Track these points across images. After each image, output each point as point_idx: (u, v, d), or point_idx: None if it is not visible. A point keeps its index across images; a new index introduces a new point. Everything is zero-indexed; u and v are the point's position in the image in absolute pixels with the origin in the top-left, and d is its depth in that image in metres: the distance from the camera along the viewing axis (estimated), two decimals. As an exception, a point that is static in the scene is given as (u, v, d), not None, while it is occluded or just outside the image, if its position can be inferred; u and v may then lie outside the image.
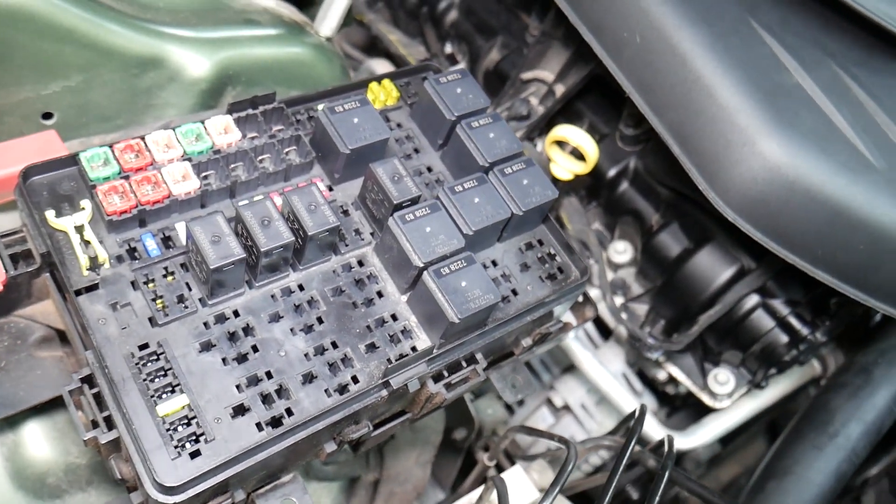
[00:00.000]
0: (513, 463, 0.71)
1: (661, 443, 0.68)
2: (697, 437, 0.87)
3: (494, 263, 0.58)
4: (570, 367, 0.99)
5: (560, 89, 0.86)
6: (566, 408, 0.97)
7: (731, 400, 0.85)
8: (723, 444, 1.10)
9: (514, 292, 0.58)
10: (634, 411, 0.65)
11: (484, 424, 0.87)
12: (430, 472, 0.78)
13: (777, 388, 0.90)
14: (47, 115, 0.63)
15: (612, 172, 0.88)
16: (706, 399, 0.85)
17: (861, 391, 0.78)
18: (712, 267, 0.79)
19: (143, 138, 0.53)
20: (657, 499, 0.57)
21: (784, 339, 0.78)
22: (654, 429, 0.88)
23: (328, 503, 0.73)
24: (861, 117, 0.67)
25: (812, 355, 0.89)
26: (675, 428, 0.91)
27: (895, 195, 0.64)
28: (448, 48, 1.04)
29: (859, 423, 0.76)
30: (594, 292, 0.89)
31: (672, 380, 0.89)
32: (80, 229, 0.49)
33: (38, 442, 0.56)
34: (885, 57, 0.72)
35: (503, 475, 0.64)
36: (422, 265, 0.51)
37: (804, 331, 0.78)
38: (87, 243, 0.50)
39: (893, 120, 0.68)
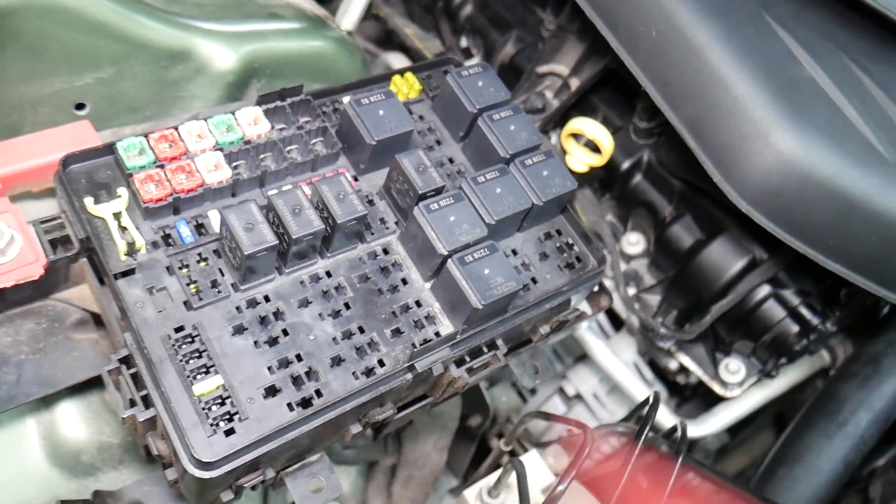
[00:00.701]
0: (526, 451, 0.73)
1: (674, 429, 0.69)
2: (708, 426, 0.89)
3: (514, 252, 0.60)
4: (582, 357, 1.00)
5: (575, 83, 0.88)
6: (578, 397, 0.99)
7: (742, 389, 0.87)
8: (731, 435, 1.11)
9: (534, 280, 0.59)
10: (648, 398, 0.67)
11: (498, 412, 0.88)
12: (447, 457, 0.80)
13: (787, 378, 0.92)
14: (80, 106, 0.65)
15: (625, 165, 0.89)
16: (717, 388, 0.87)
17: (870, 381, 0.79)
18: (724, 258, 0.81)
19: (176, 129, 0.54)
20: (671, 483, 0.58)
21: (795, 328, 0.80)
22: (665, 417, 0.89)
23: (347, 486, 0.75)
24: (873, 110, 0.68)
25: (822, 345, 0.90)
26: (686, 417, 0.93)
27: (906, 188, 0.65)
28: (463, 42, 1.06)
29: (868, 412, 0.78)
30: (607, 283, 0.90)
31: (683, 369, 0.91)
32: (117, 216, 0.51)
33: (73, 421, 0.58)
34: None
35: (520, 458, 0.66)
36: (446, 253, 0.53)
37: (815, 321, 0.79)
38: (123, 229, 0.51)
39: (905, 114, 0.69)
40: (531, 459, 0.68)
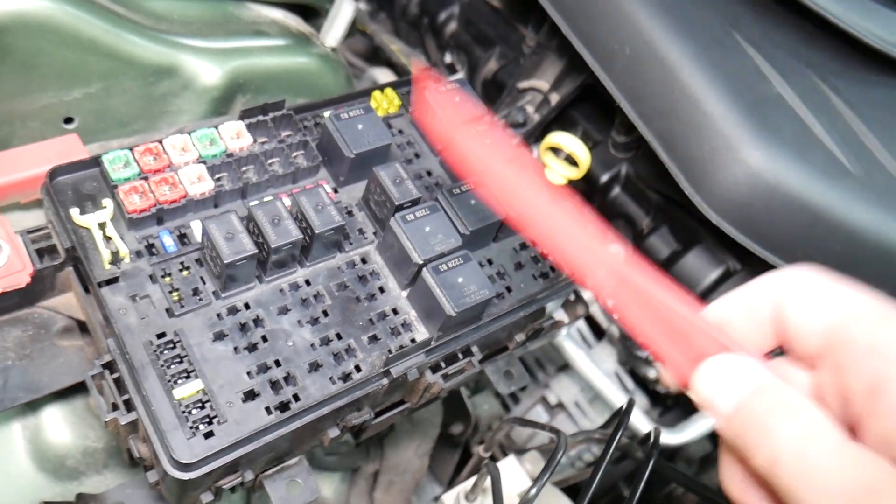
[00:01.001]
0: (506, 456, 0.75)
1: (649, 435, 0.71)
2: (687, 434, 0.90)
3: (490, 262, 0.62)
4: (564, 367, 1.02)
5: (555, 98, 0.90)
6: (560, 405, 1.00)
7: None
8: (714, 445, 1.13)
9: (508, 289, 0.61)
10: (622, 406, 0.68)
11: (480, 420, 0.90)
12: (428, 463, 0.81)
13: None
14: (69, 120, 0.67)
15: (604, 178, 0.91)
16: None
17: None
18: (699, 269, 0.83)
19: (160, 142, 0.56)
20: (641, 485, 0.60)
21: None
22: (645, 426, 0.91)
23: (330, 493, 0.77)
24: (839, 126, 0.71)
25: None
26: (667, 426, 0.94)
27: (870, 200, 0.67)
28: (448, 58, 1.08)
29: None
30: (588, 293, 0.92)
31: (662, 378, 0.92)
32: (102, 226, 0.53)
33: (58, 426, 0.59)
34: (862, 68, 0.76)
35: (497, 464, 0.67)
36: (421, 262, 0.55)
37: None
38: (108, 239, 0.53)
39: (870, 128, 0.71)
40: (508, 465, 0.69)
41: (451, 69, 1.07)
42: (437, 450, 0.88)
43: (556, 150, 0.87)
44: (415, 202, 0.57)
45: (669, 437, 0.90)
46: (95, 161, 0.55)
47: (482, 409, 0.91)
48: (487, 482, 0.65)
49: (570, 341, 0.95)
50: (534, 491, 0.58)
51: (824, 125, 0.70)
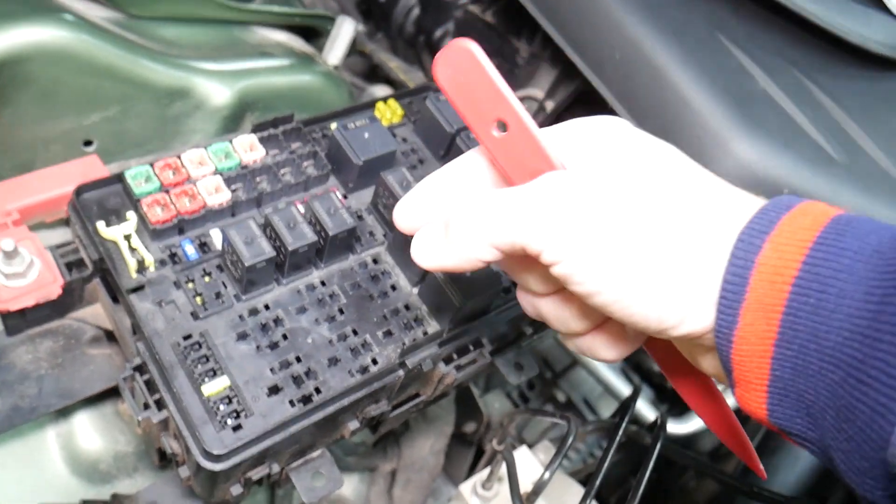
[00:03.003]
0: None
1: (655, 422, 0.74)
2: (693, 423, 0.93)
3: (495, 259, 0.65)
4: (571, 365, 1.05)
5: (550, 105, 0.94)
6: (569, 402, 1.03)
7: (724, 387, 0.91)
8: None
9: (515, 283, 0.64)
10: (631, 393, 0.71)
11: (492, 418, 0.92)
12: (443, 461, 0.83)
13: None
14: (88, 143, 0.70)
15: (601, 180, 0.94)
16: (699, 388, 0.91)
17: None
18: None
19: (179, 157, 0.59)
20: (650, 466, 0.62)
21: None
22: (652, 416, 0.93)
23: (349, 492, 0.79)
24: (823, 117, 0.74)
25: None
26: (674, 417, 0.97)
27: (855, 185, 0.70)
28: (445, 73, 1.12)
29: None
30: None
31: (667, 372, 0.95)
32: (128, 237, 0.56)
33: (90, 432, 0.62)
34: (844, 64, 0.80)
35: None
36: (430, 259, 0.58)
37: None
38: (133, 250, 0.56)
39: (853, 118, 0.74)
40: (522, 454, 0.72)
41: (449, 83, 1.11)
42: (451, 449, 0.90)
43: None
44: (421, 203, 0.60)
45: (677, 427, 0.92)
46: (118, 178, 0.58)
47: (493, 407, 0.93)
48: (502, 471, 0.67)
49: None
50: (547, 475, 0.60)
51: (808, 117, 0.73)
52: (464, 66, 0.38)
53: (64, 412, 0.61)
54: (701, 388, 0.46)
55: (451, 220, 0.39)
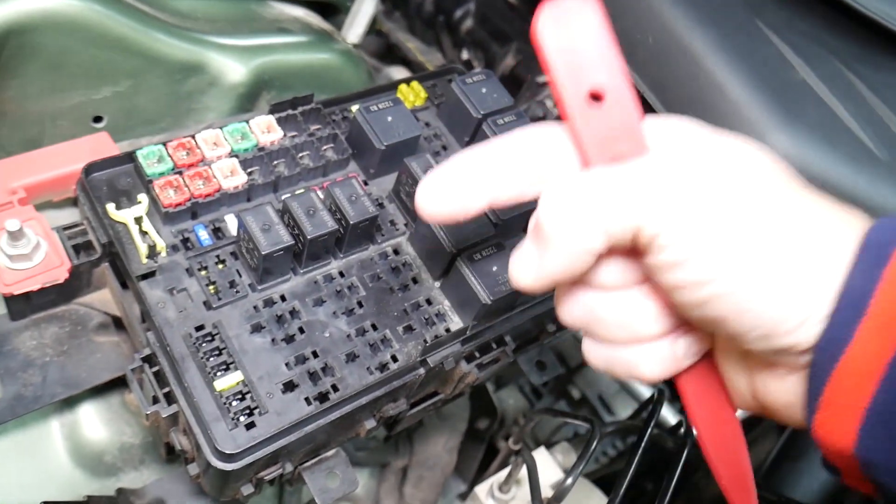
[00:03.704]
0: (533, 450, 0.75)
1: (679, 425, 0.71)
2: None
3: (520, 252, 0.62)
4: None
5: (575, 91, 0.90)
6: (584, 399, 1.00)
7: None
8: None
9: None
10: (653, 395, 0.68)
11: (506, 414, 0.90)
12: (457, 458, 0.81)
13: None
14: (98, 119, 0.67)
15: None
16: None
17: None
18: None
19: (193, 137, 0.56)
20: (677, 473, 0.60)
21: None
22: (671, 416, 0.91)
23: (360, 488, 0.77)
24: (864, 111, 0.70)
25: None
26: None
27: (898, 184, 0.67)
28: (464, 55, 1.08)
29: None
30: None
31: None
32: (138, 220, 0.53)
33: (95, 423, 0.59)
34: (887, 54, 0.76)
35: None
36: (454, 252, 0.55)
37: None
38: (144, 234, 0.53)
39: (895, 113, 0.71)
40: (540, 455, 0.69)
41: (468, 66, 1.08)
42: (462, 445, 0.88)
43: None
44: (447, 192, 0.57)
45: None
46: (129, 157, 0.55)
47: (507, 403, 0.91)
48: (521, 473, 0.65)
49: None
50: (570, 480, 0.58)
51: (850, 111, 0.70)
52: (576, 22, 0.33)
53: (69, 401, 0.58)
54: (723, 430, 0.42)
55: (551, 206, 0.34)
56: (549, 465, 0.69)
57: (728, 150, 0.34)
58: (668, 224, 0.32)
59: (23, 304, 0.54)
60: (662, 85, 0.73)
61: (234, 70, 0.70)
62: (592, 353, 0.39)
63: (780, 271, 0.32)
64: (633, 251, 0.35)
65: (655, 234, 0.32)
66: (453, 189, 0.37)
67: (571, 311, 0.38)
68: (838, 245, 0.32)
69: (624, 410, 1.00)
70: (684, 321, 0.37)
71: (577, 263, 0.34)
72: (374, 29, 1.16)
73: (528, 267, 0.36)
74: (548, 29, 0.34)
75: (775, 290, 0.32)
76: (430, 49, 1.12)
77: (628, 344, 0.37)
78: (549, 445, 0.76)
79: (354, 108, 0.63)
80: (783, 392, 0.36)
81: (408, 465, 0.78)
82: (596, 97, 0.34)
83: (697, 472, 0.97)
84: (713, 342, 0.39)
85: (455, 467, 0.91)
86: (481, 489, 0.67)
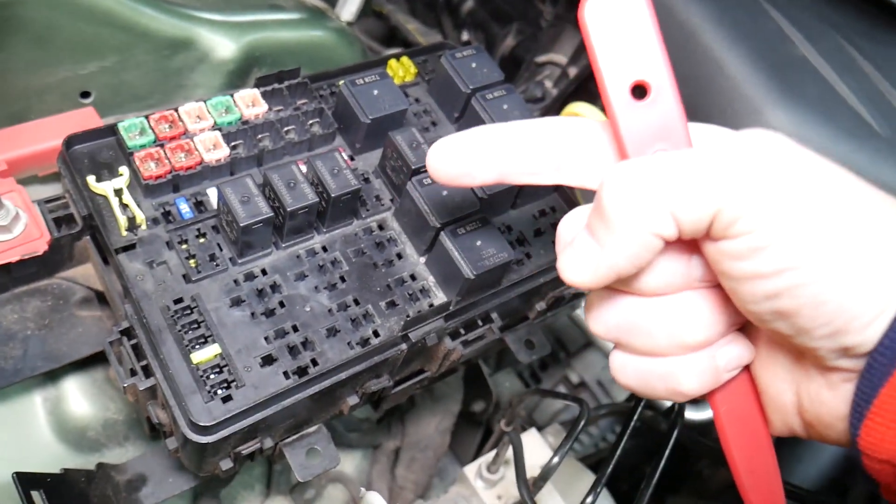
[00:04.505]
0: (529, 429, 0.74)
1: (672, 407, 0.70)
2: (710, 410, 0.89)
3: (509, 228, 0.61)
4: (586, 345, 1.01)
5: (573, 71, 0.89)
6: (583, 384, 0.99)
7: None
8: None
9: (528, 255, 0.60)
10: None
11: (501, 397, 0.89)
12: (450, 440, 0.80)
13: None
14: (85, 94, 0.67)
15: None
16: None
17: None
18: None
19: (176, 110, 0.56)
20: (666, 453, 0.59)
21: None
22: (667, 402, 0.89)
23: (351, 469, 0.76)
24: (865, 86, 0.69)
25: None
26: (691, 404, 0.93)
27: (899, 161, 0.65)
28: (465, 36, 1.07)
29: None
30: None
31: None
32: (118, 193, 0.53)
33: (79, 398, 0.59)
34: (889, 29, 0.74)
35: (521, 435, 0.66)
36: (438, 226, 0.54)
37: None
38: (125, 206, 0.53)
39: (897, 89, 0.69)
40: (531, 437, 0.68)
41: (468, 47, 1.06)
42: (459, 429, 0.87)
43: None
44: (432, 167, 0.56)
45: (693, 414, 0.88)
46: (111, 129, 0.55)
47: (504, 386, 0.90)
48: (509, 453, 0.64)
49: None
50: (556, 459, 0.57)
51: (850, 86, 0.68)
52: (624, 13, 0.33)
53: (52, 376, 0.58)
54: (757, 454, 0.39)
55: (620, 185, 0.32)
56: (540, 447, 0.68)
57: (785, 145, 0.33)
58: (750, 207, 0.31)
59: (4, 277, 0.54)
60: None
61: (223, 46, 0.69)
62: (626, 367, 0.37)
63: (862, 262, 0.31)
64: (692, 244, 0.34)
65: (736, 218, 0.31)
66: (466, 153, 0.37)
67: (608, 319, 0.36)
68: None
69: (621, 395, 0.99)
70: (731, 328, 0.36)
71: (644, 252, 0.32)
72: (374, 11, 1.15)
73: (585, 260, 0.34)
74: (595, 18, 0.33)
75: (856, 281, 0.30)
76: (431, 31, 1.11)
77: (668, 355, 0.35)
78: (544, 427, 0.75)
79: (342, 82, 0.62)
80: (835, 403, 0.34)
81: (400, 446, 0.78)
82: (640, 91, 0.34)
83: (703, 459, 0.96)
84: (755, 354, 0.37)
85: (453, 451, 0.90)
86: (470, 469, 0.66)
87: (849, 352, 0.32)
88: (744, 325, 0.37)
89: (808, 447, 0.80)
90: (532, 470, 0.62)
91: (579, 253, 0.34)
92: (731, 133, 0.35)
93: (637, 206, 0.32)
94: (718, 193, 0.31)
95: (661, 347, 0.35)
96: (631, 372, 0.37)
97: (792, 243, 0.31)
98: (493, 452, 0.66)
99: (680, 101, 0.34)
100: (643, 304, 0.35)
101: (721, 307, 0.35)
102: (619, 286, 0.35)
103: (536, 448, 0.68)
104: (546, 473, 0.56)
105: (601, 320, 0.37)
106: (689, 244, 0.34)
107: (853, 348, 0.32)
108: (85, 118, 0.61)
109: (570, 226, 0.36)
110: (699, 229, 0.32)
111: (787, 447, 0.80)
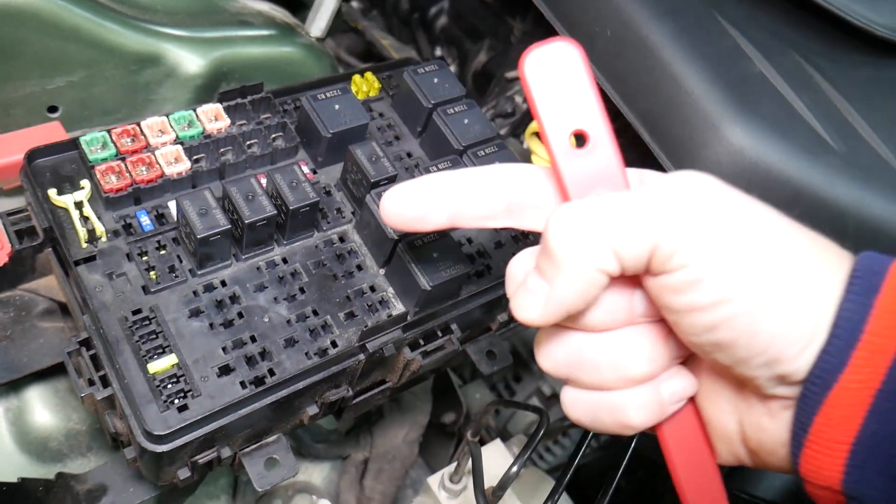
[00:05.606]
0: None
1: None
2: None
3: (469, 241, 0.62)
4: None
5: (542, 86, 0.90)
6: (555, 396, 1.00)
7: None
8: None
9: (489, 267, 0.61)
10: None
11: (472, 409, 0.90)
12: (418, 451, 0.81)
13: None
14: (53, 109, 0.68)
15: (593, 166, 0.91)
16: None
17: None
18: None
19: (138, 124, 0.57)
20: (626, 459, 0.59)
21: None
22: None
23: (319, 480, 0.77)
24: (821, 103, 0.70)
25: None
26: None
27: (854, 176, 0.67)
28: (438, 52, 1.09)
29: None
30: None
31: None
32: (79, 205, 0.54)
33: (41, 409, 0.59)
34: (847, 48, 0.76)
35: (483, 447, 0.67)
36: (396, 238, 0.55)
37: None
38: (85, 219, 0.54)
39: (853, 105, 0.71)
40: (495, 447, 0.69)
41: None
42: (432, 440, 0.88)
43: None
44: (391, 179, 0.58)
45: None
46: (74, 143, 0.56)
47: (474, 398, 0.91)
48: (470, 463, 0.64)
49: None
50: (514, 469, 0.57)
51: (806, 103, 0.70)
52: (562, 67, 0.35)
53: (14, 386, 0.58)
54: (705, 481, 0.40)
55: (563, 226, 0.34)
56: (503, 456, 0.69)
57: (713, 185, 0.35)
58: (684, 242, 0.32)
59: (-34, 289, 0.55)
60: (620, 77, 0.73)
61: (191, 62, 0.70)
62: (576, 402, 0.38)
63: (789, 293, 0.32)
64: (634, 281, 0.35)
65: (672, 252, 0.32)
66: (419, 199, 0.39)
67: (557, 356, 0.38)
68: (832, 273, 0.33)
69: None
70: (674, 361, 0.37)
71: (590, 288, 0.34)
72: (350, 27, 1.16)
73: (535, 300, 0.35)
74: (534, 72, 0.35)
75: (785, 311, 0.32)
76: (406, 47, 1.13)
77: (615, 388, 0.37)
78: (509, 437, 0.76)
79: (304, 97, 0.63)
80: (776, 430, 0.36)
81: (368, 457, 0.78)
82: (580, 139, 0.36)
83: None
84: (698, 386, 0.38)
85: (426, 462, 0.91)
86: (433, 480, 0.67)
87: (785, 379, 0.34)
88: (687, 359, 0.39)
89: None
90: (494, 479, 0.63)
91: (530, 292, 0.36)
92: (666, 175, 0.37)
93: (580, 243, 0.33)
94: (655, 229, 0.32)
95: (608, 381, 0.37)
96: (581, 407, 0.38)
97: (725, 276, 0.32)
98: (454, 463, 0.66)
99: (617, 148, 0.36)
100: (590, 339, 0.37)
101: (663, 341, 0.37)
102: (568, 323, 0.37)
103: (499, 458, 0.68)
104: (504, 483, 0.57)
105: (550, 357, 0.38)
106: (632, 281, 0.36)
107: (788, 376, 0.33)
108: (50, 132, 0.61)
109: (519, 267, 0.38)
110: (639, 264, 0.33)
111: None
